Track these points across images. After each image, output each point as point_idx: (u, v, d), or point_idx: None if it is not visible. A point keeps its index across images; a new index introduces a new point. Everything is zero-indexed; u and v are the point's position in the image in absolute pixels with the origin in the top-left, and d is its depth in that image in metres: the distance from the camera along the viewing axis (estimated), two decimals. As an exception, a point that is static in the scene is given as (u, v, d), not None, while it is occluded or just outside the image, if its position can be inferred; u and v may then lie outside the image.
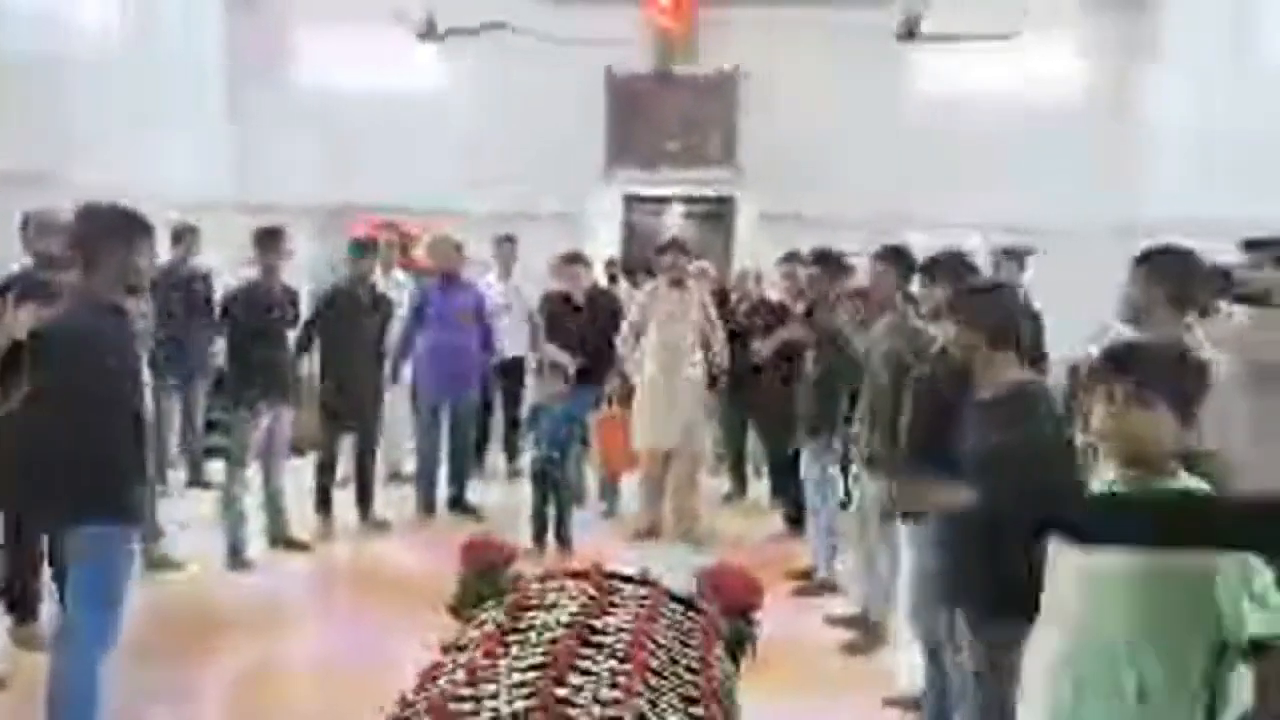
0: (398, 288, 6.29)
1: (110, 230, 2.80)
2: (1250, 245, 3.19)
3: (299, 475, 5.44)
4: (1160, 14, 7.67)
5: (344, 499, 5.54)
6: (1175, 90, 7.38)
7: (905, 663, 3.68)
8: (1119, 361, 1.93)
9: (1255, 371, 3.08)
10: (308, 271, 7.29)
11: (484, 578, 2.24)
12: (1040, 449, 2.48)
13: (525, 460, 5.97)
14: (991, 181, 7.54)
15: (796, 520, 5.34)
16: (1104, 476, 2.02)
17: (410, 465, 6.24)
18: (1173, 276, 2.74)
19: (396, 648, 3.55)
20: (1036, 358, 3.64)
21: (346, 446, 5.62)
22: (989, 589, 2.57)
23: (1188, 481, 1.89)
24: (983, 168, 7.60)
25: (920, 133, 7.81)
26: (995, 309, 2.67)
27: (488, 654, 1.79)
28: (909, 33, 7.64)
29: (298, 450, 5.53)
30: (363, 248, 5.53)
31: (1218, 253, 3.90)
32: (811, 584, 4.72)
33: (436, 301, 5.81)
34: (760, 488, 6.37)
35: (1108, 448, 1.97)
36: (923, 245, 4.18)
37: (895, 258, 3.98)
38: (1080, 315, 6.10)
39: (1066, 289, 6.08)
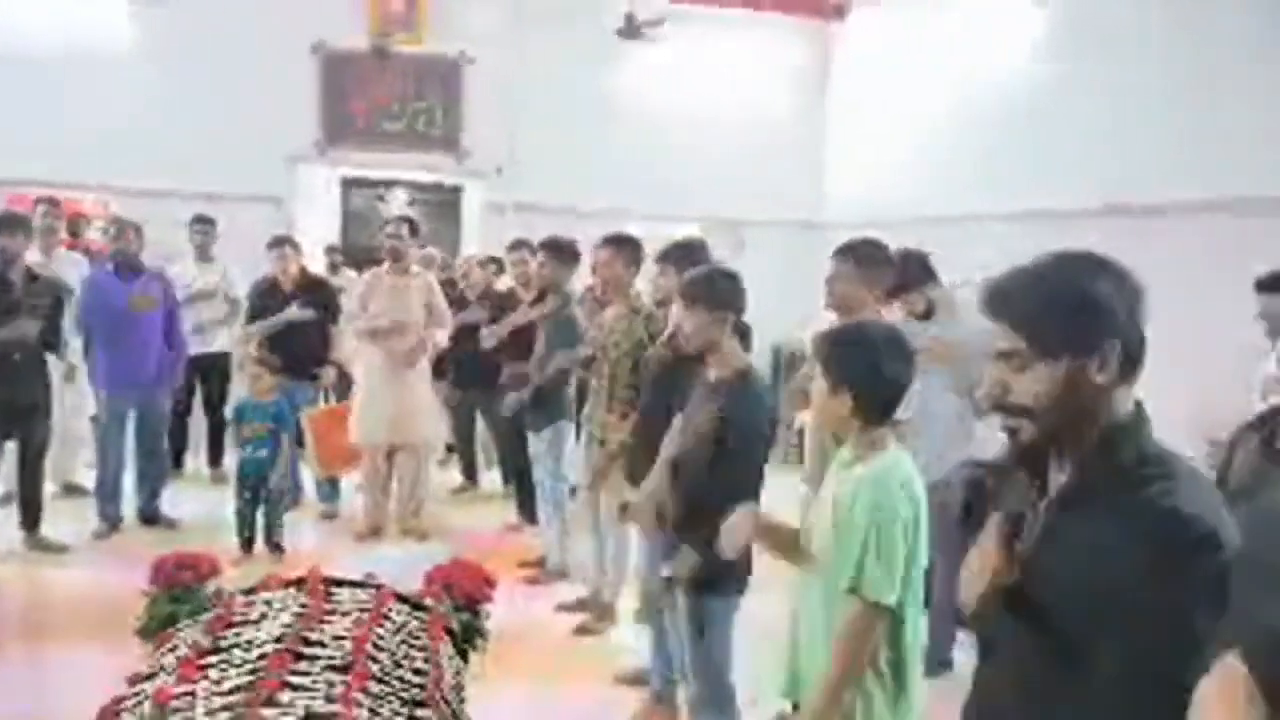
0: (72, 266, 5.51)
1: None
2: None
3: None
4: (853, 29, 8.54)
5: (4, 518, 4.75)
6: (861, 99, 8.26)
7: (633, 640, 3.80)
8: (831, 344, 2.07)
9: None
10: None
11: (177, 596, 1.99)
12: (757, 428, 2.65)
13: (231, 463, 5.45)
14: (704, 177, 7.98)
15: (529, 509, 5.33)
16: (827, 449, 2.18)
17: (85, 476, 5.48)
18: (870, 265, 3.04)
19: (74, 687, 3.09)
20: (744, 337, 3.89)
21: (8, 455, 4.81)
22: (703, 559, 2.70)
23: (897, 451, 2.04)
24: (697, 164, 8.03)
25: (642, 127, 8.10)
26: (737, 295, 2.79)
27: (183, 679, 1.60)
28: (629, 30, 7.86)
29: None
30: (9, 223, 4.71)
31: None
32: (544, 572, 4.74)
33: (111, 290, 5.12)
34: (493, 478, 6.30)
35: (819, 424, 2.13)
36: (644, 237, 4.33)
37: (622, 245, 4.05)
38: (786, 301, 6.70)
39: (768, 277, 6.69)
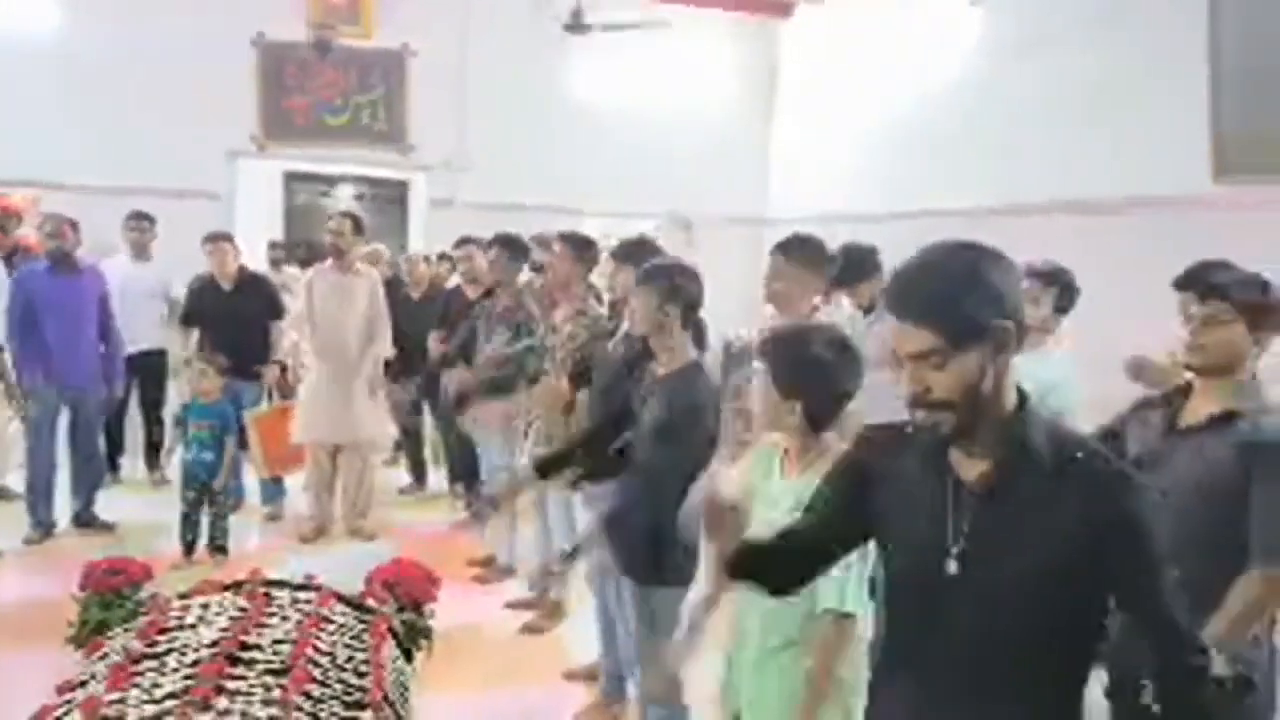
0: None
1: None
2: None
3: None
4: (799, 26, 8.61)
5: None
6: (807, 96, 8.34)
7: (582, 635, 3.79)
8: (780, 353, 2.08)
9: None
10: None
11: (109, 602, 1.94)
12: (700, 421, 2.66)
13: (172, 465, 5.31)
14: (653, 173, 7.99)
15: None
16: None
17: (17, 479, 5.29)
18: (806, 262, 3.06)
19: (4, 698, 3.00)
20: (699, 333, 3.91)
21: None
22: (649, 550, 2.71)
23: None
24: (646, 160, 8.03)
25: (591, 124, 8.07)
26: (692, 288, 2.77)
27: (114, 687, 1.55)
28: (575, 24, 7.81)
29: None
30: None
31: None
32: (493, 570, 4.71)
33: (47, 289, 4.95)
34: (441, 477, 6.23)
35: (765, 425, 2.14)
36: (598, 232, 4.32)
37: (574, 244, 4.01)
38: (735, 296, 6.73)
39: (717, 273, 6.72)
